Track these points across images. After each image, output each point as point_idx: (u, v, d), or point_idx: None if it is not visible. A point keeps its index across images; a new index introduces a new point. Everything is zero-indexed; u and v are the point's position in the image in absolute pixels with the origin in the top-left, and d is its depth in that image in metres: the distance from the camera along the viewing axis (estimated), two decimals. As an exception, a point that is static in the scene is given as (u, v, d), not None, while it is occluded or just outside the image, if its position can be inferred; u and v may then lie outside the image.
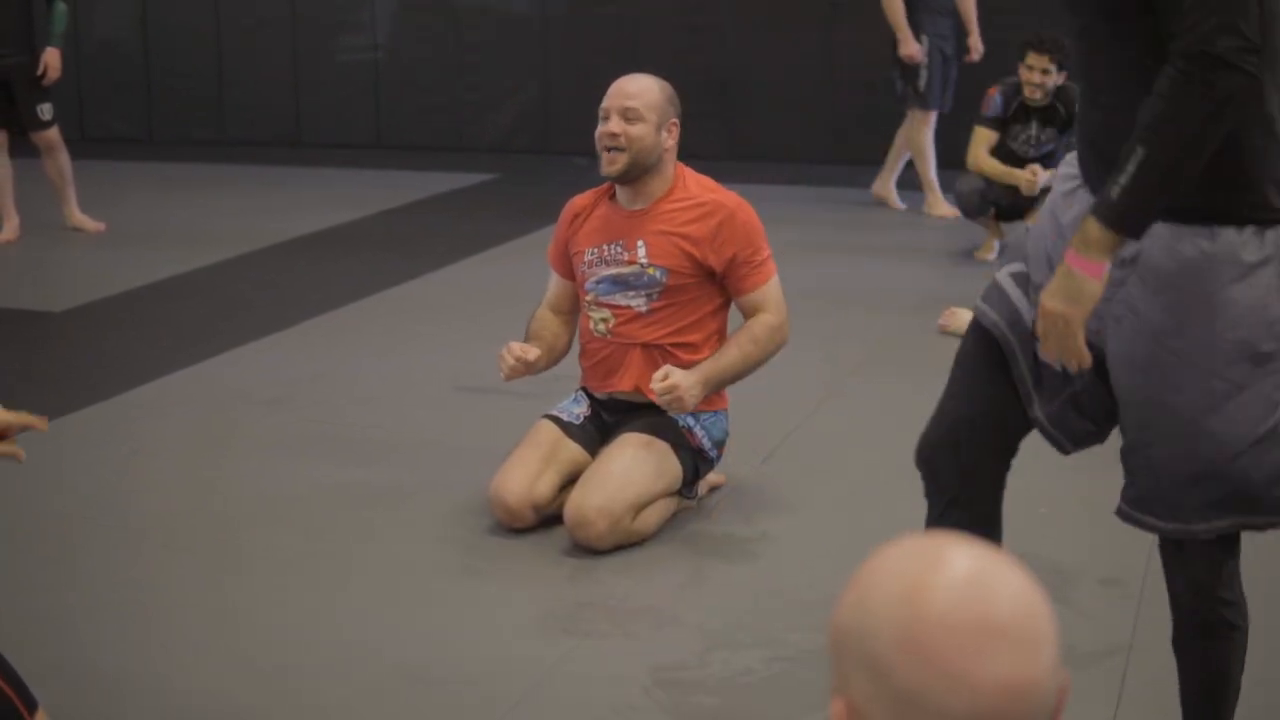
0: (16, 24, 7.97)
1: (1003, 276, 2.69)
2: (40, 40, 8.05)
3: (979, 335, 2.69)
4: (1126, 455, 2.61)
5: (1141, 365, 2.49)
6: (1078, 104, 2.67)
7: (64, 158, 8.31)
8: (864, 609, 1.21)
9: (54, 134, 8.20)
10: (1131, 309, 2.48)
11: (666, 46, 10.22)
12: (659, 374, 4.05)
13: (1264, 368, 2.46)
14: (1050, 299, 2.43)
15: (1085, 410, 2.69)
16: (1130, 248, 2.46)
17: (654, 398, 4.05)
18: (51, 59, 8.02)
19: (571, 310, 4.38)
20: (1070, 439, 2.75)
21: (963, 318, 6.06)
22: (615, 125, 4.14)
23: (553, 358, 4.35)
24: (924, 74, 8.57)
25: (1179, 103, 2.30)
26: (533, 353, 4.19)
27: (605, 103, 4.19)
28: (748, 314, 4.19)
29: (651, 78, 4.26)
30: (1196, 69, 2.28)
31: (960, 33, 8.74)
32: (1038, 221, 2.68)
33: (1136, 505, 2.61)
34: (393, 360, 5.89)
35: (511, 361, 4.19)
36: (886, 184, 9.10)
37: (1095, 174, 2.52)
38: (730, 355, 4.14)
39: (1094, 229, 2.37)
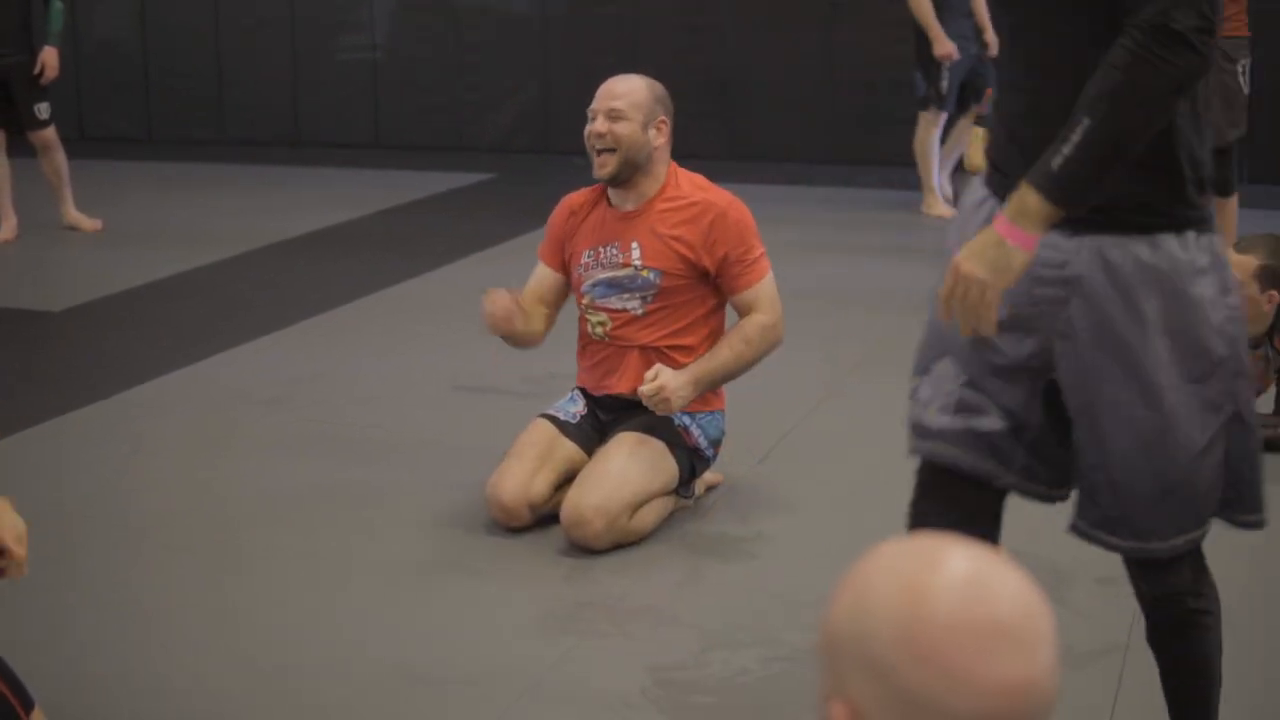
0: (15, 23, 7.97)
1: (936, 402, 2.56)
2: (39, 39, 8.05)
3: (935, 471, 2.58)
4: (1084, 476, 2.52)
5: (1095, 383, 2.43)
6: (994, 96, 2.61)
7: (60, 157, 8.31)
8: (862, 611, 1.21)
9: (51, 133, 8.20)
10: (1078, 327, 2.41)
11: (666, 46, 10.22)
12: (649, 374, 4.05)
13: (1214, 374, 2.41)
14: (970, 263, 2.32)
15: (1045, 451, 2.57)
16: (1071, 266, 2.39)
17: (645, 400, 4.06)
18: (49, 58, 8.01)
19: (554, 304, 4.36)
20: (1047, 482, 2.62)
21: None
22: (600, 125, 4.15)
23: (528, 333, 4.26)
24: (946, 75, 8.53)
25: (1134, 76, 2.21)
26: (516, 294, 4.14)
27: (593, 104, 4.20)
28: (742, 313, 4.19)
29: (641, 78, 4.26)
30: (1155, 44, 2.20)
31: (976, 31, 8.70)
32: (947, 244, 2.58)
33: (1099, 525, 2.55)
34: (391, 360, 5.90)
35: (500, 306, 4.11)
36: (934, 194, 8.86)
37: (1008, 165, 2.44)
38: (722, 355, 4.14)
39: (1031, 199, 2.27)
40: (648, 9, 10.44)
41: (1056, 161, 2.24)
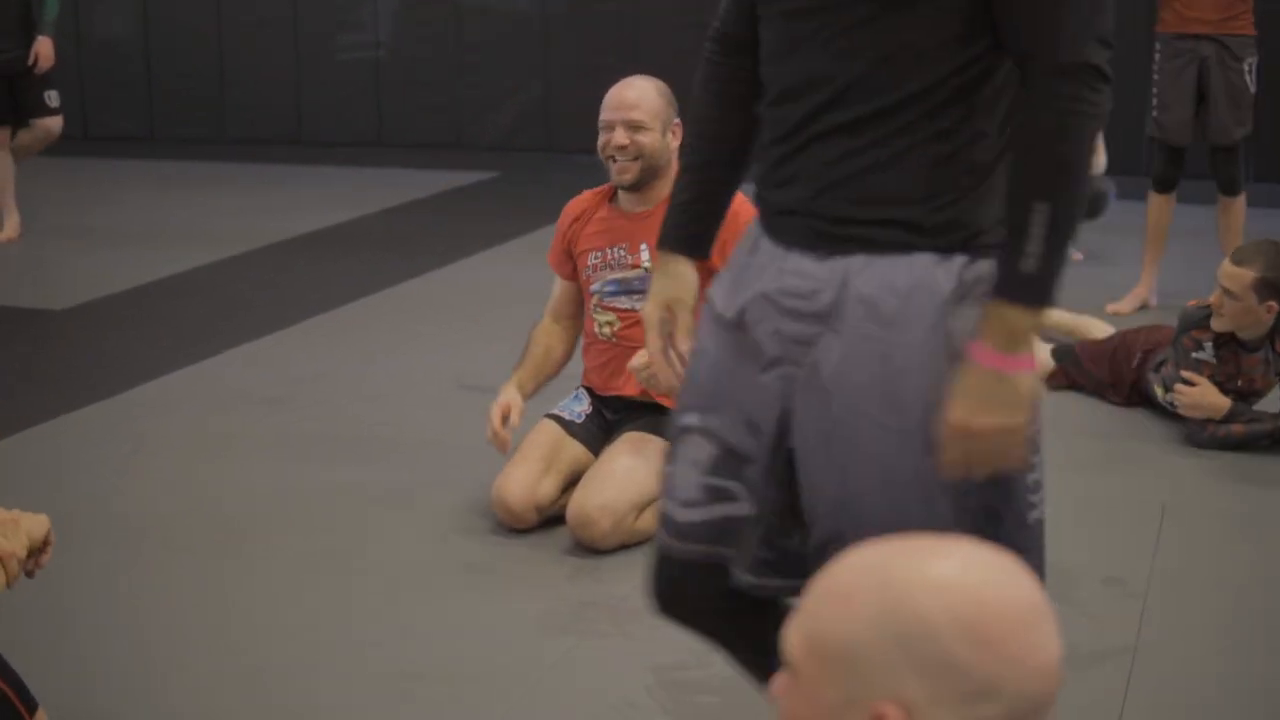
0: (15, 17, 7.96)
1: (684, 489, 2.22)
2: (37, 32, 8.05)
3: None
4: (816, 555, 2.05)
5: (843, 439, 2.04)
6: (763, 113, 2.16)
7: (11, 161, 8.18)
8: (902, 614, 1.22)
9: (57, 123, 8.12)
10: (827, 373, 2.04)
11: (667, 45, 10.19)
12: (638, 355, 4.03)
13: None
14: (977, 415, 1.94)
15: (782, 533, 2.21)
16: (820, 297, 2.05)
17: (656, 396, 4.03)
18: (43, 47, 7.95)
19: (574, 315, 4.36)
20: (782, 572, 2.23)
21: None
22: (622, 138, 4.10)
23: (540, 378, 4.30)
24: None
25: (1075, 138, 1.92)
26: (515, 414, 4.14)
27: (606, 114, 4.14)
28: None
29: (647, 80, 4.21)
30: (1085, 90, 1.93)
31: None
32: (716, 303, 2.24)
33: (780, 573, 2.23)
34: (394, 359, 5.88)
35: (496, 428, 4.13)
36: None
37: (790, 197, 2.10)
38: None
39: (1014, 317, 1.92)
40: (649, 7, 10.42)
41: (1028, 265, 1.91)
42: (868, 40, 2.00)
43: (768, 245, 2.16)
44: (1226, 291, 4.71)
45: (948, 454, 1.98)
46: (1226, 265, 4.76)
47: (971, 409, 1.94)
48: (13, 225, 8.22)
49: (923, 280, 2.01)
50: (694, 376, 2.24)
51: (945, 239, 2.02)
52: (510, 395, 4.17)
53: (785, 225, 2.12)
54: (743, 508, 2.18)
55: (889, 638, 1.21)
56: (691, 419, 2.21)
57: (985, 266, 2.01)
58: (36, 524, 2.40)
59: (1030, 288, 1.92)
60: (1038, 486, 2.18)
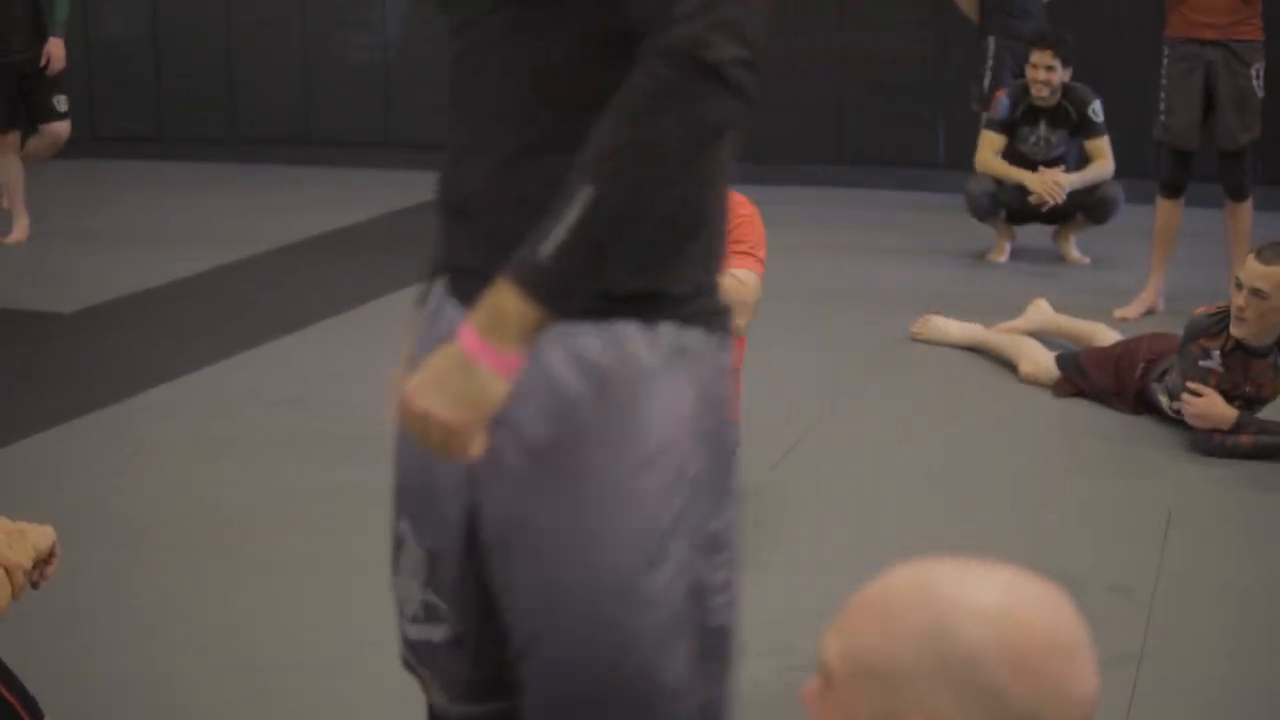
0: (26, 19, 7.96)
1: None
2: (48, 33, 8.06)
3: None
4: (516, 663, 1.84)
5: (536, 531, 1.76)
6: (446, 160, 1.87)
7: (18, 166, 8.20)
8: (945, 636, 1.22)
9: (65, 128, 8.14)
10: (509, 461, 1.74)
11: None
12: None
13: (670, 533, 1.77)
14: (426, 397, 1.63)
15: (475, 654, 1.96)
16: None
17: None
18: (55, 49, 7.96)
19: None
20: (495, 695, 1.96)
21: (935, 325, 6.03)
22: None
23: None
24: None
25: (654, 126, 1.57)
26: None
27: None
28: None
29: None
30: (683, 82, 1.57)
31: None
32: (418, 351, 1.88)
33: None
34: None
35: None
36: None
37: (462, 252, 1.82)
38: None
39: (511, 301, 1.59)
40: (658, 9, 10.41)
41: (546, 249, 1.57)
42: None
43: (453, 304, 1.84)
44: (1256, 292, 4.64)
45: (402, 419, 1.69)
46: (1255, 266, 4.66)
47: (422, 384, 1.64)
48: (22, 228, 8.23)
49: (616, 353, 1.71)
50: (398, 466, 1.94)
51: (640, 305, 1.71)
52: None
53: (464, 283, 1.80)
54: (447, 627, 1.94)
55: (931, 658, 1.22)
56: (403, 524, 1.94)
57: (692, 335, 1.75)
58: (42, 535, 2.40)
59: (537, 275, 1.58)
60: (725, 588, 1.89)
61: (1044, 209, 7.31)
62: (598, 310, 1.68)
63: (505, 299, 1.59)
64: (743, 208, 4.14)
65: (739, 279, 4.01)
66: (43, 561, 2.39)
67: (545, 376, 1.70)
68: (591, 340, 1.70)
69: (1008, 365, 5.65)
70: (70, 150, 8.57)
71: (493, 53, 1.74)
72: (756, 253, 4.13)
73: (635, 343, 1.71)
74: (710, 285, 1.78)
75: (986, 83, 8.24)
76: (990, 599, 1.24)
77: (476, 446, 1.65)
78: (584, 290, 1.60)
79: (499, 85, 1.74)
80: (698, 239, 1.75)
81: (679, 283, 1.74)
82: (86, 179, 8.48)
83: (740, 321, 4.10)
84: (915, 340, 6.02)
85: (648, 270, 1.71)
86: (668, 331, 1.73)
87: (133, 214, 8.91)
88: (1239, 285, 4.68)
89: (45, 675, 3.00)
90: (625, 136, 1.58)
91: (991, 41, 8.29)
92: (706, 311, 1.77)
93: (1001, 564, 1.29)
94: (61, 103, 8.09)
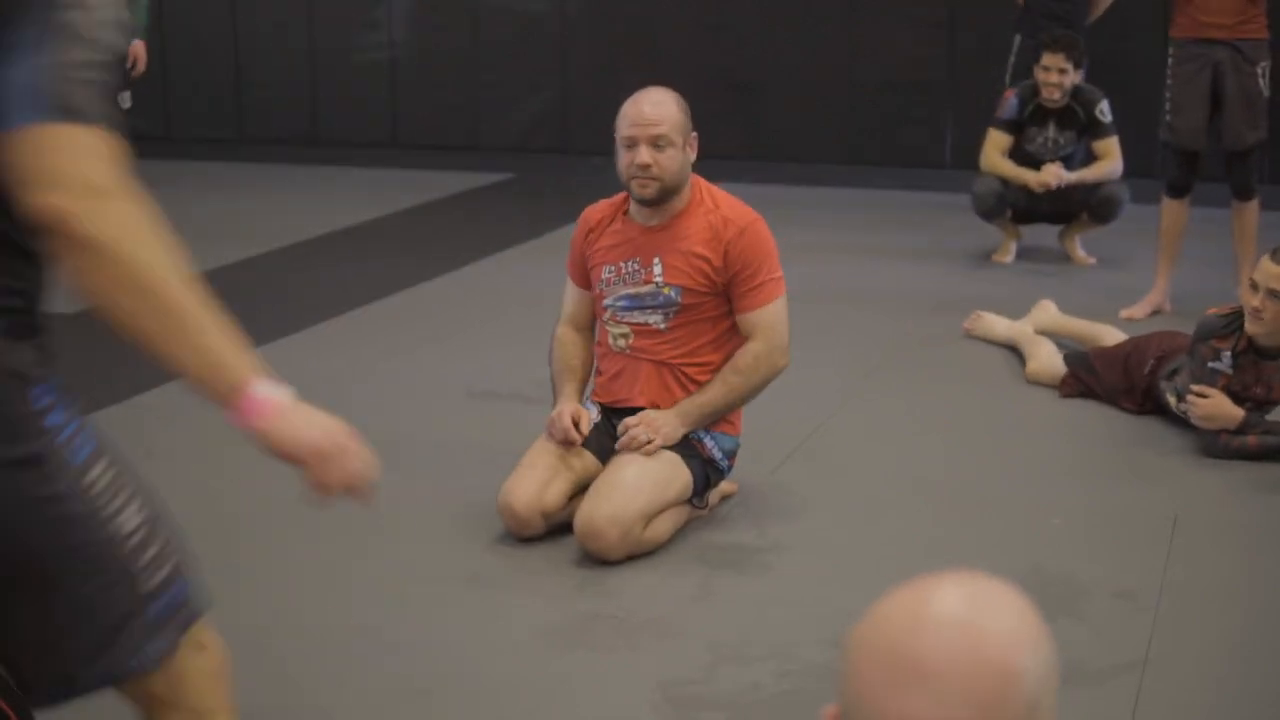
0: None
1: None
2: (125, 33, 8.15)
3: None
4: None
5: None
6: None
7: None
8: (863, 621, 1.26)
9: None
10: None
11: (685, 46, 10.19)
12: (631, 420, 4.05)
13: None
14: None
15: None
16: None
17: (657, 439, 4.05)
18: (139, 51, 8.21)
19: (590, 325, 4.35)
20: None
21: (989, 322, 6.03)
22: (646, 156, 4.04)
23: (586, 384, 4.33)
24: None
25: None
26: (584, 422, 4.15)
27: (628, 130, 4.07)
28: (745, 336, 4.14)
29: (665, 92, 4.15)
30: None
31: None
32: None
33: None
34: (407, 363, 5.87)
35: (567, 427, 4.11)
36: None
37: None
38: (713, 389, 4.11)
39: None
40: (666, 8, 10.40)
41: None
42: None
43: None
44: (1273, 293, 4.61)
45: None
46: (1271, 267, 4.61)
47: None
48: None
49: None
50: None
51: None
52: (574, 405, 4.17)
53: None
54: None
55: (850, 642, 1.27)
56: None
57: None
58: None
59: None
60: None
61: (1042, 190, 7.26)
62: None
63: None
64: (753, 230, 4.12)
65: (757, 354, 4.10)
66: None
67: None
68: None
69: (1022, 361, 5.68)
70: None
71: None
72: (773, 281, 4.14)
73: None
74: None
75: (1007, 80, 8.18)
76: (889, 601, 1.24)
77: None
78: None
79: None
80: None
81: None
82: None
83: (782, 363, 4.15)
84: (969, 337, 6.04)
85: None
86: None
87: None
88: (1254, 286, 4.66)
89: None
90: None
91: (1017, 40, 8.26)
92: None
93: (993, 579, 1.25)
94: (125, 99, 8.24)
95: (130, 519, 2.01)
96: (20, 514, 1.91)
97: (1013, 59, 8.32)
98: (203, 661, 2.17)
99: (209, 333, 1.93)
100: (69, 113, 1.80)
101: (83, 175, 1.83)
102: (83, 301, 2.01)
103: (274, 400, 1.97)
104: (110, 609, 1.98)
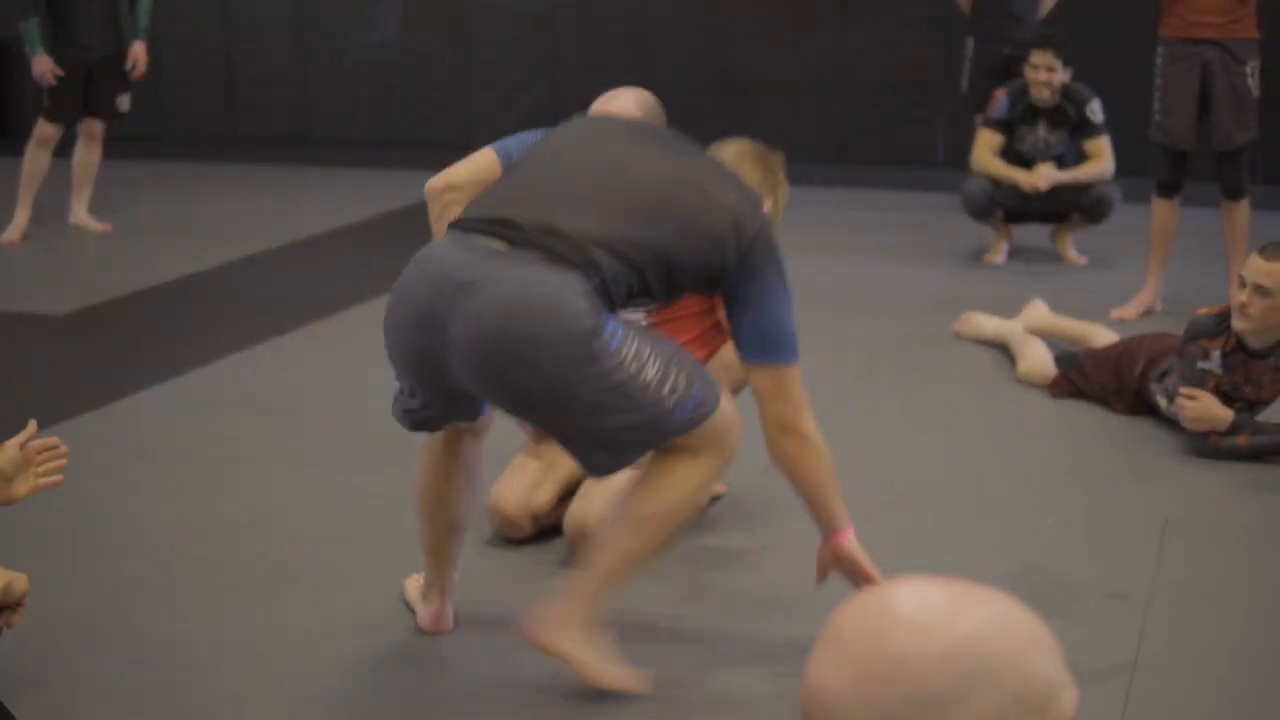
0: (105, 18, 8.13)
1: None
2: (127, 34, 8.20)
3: None
4: None
5: None
6: None
7: (98, 155, 8.39)
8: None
9: (99, 127, 8.29)
10: None
11: (679, 46, 10.18)
12: None
13: None
14: None
15: None
16: None
17: None
18: (139, 52, 8.23)
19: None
20: None
21: (978, 322, 6.03)
22: None
23: None
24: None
25: None
26: None
27: None
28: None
29: (630, 93, 3.95)
30: None
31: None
32: None
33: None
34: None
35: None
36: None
37: None
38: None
39: None
40: (659, 8, 10.40)
41: None
42: None
43: None
44: (1260, 289, 4.61)
45: None
46: (1260, 263, 4.62)
47: None
48: (18, 228, 8.21)
49: None
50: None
51: None
52: None
53: None
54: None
55: None
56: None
57: None
58: (17, 580, 2.40)
59: None
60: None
61: (1033, 192, 7.27)
62: None
63: None
64: None
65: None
66: (9, 609, 2.38)
67: None
68: None
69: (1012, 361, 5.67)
70: (68, 150, 8.56)
71: None
72: None
73: None
74: None
75: (964, 83, 8.30)
76: (892, 585, 1.25)
77: None
78: None
79: None
80: None
81: None
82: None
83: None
84: (957, 338, 6.04)
85: None
86: None
87: (130, 214, 8.90)
88: (1242, 282, 4.66)
89: (45, 679, 3.00)
90: None
91: (970, 43, 8.33)
92: None
93: (982, 589, 1.25)
94: (124, 102, 8.30)
95: (650, 370, 3.18)
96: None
97: (967, 64, 8.37)
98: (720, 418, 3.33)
99: (835, 490, 3.47)
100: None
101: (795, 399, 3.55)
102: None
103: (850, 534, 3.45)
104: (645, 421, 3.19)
